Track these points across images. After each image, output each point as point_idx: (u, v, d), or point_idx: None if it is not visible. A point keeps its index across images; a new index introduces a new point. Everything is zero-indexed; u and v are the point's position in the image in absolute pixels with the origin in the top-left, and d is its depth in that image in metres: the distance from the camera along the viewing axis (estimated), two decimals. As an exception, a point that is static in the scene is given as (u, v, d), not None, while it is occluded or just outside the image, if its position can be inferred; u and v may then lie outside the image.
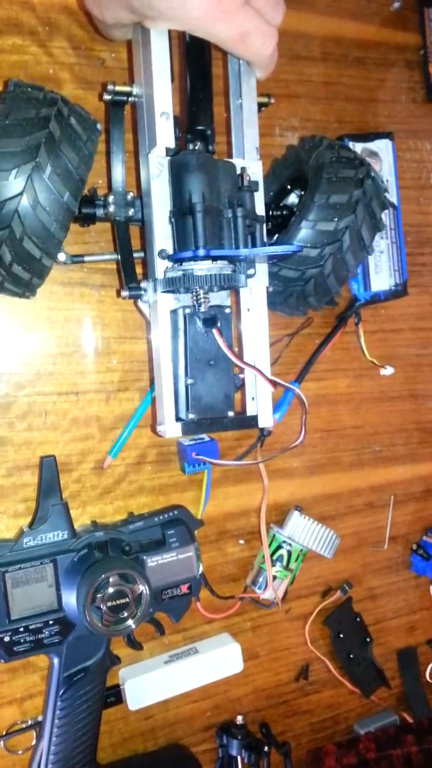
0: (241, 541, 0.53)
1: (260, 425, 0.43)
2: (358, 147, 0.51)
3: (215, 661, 0.50)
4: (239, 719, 0.53)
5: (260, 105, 0.42)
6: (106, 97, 0.39)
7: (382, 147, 0.52)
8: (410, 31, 0.57)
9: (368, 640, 0.59)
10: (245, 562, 0.54)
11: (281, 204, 0.49)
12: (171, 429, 0.41)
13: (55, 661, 0.43)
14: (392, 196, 0.53)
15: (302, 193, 0.46)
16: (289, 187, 0.49)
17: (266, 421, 0.43)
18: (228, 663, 0.51)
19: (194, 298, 0.38)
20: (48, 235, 0.35)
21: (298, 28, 0.51)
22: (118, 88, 0.39)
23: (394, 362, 0.57)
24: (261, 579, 0.52)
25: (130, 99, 0.40)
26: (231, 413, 0.42)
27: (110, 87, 0.39)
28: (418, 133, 0.58)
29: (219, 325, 0.40)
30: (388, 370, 0.57)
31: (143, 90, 0.39)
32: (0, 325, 0.44)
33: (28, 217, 0.34)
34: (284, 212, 0.47)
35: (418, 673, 0.62)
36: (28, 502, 0.45)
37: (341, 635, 0.57)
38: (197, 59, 0.39)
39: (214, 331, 0.40)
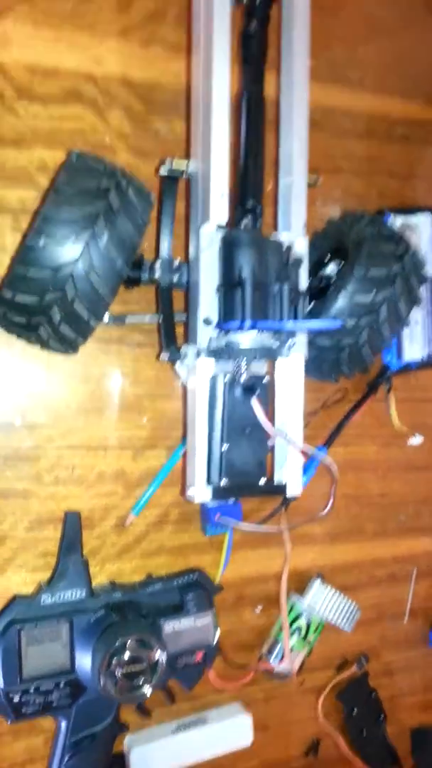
0: (258, 608, 0.52)
1: (289, 494, 0.43)
2: (398, 219, 0.52)
3: (225, 732, 0.49)
4: (245, 797, 0.50)
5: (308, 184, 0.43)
6: (162, 172, 0.40)
7: (422, 220, 0.53)
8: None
9: (382, 717, 0.57)
10: (261, 629, 0.52)
11: (318, 274, 0.49)
12: (201, 493, 0.40)
13: (63, 724, 0.42)
14: (430, 269, 0.54)
15: (341, 263, 0.47)
16: (327, 257, 0.49)
17: (295, 489, 0.43)
18: (238, 735, 0.49)
19: (236, 366, 0.39)
20: (98, 298, 0.36)
21: (346, 105, 0.53)
22: (174, 166, 0.40)
23: (424, 431, 0.56)
24: (277, 649, 0.50)
25: (184, 175, 0.41)
26: (263, 480, 0.42)
27: (167, 163, 0.40)
28: (456, 208, 0.58)
29: (258, 393, 0.40)
30: (417, 439, 0.56)
31: (200, 166, 0.40)
32: (37, 379, 0.44)
33: (81, 281, 0.34)
34: (321, 282, 0.47)
35: (432, 754, 0.60)
36: (47, 557, 0.44)
37: (355, 711, 0.55)
38: (253, 140, 0.40)
39: (254, 400, 0.40)
